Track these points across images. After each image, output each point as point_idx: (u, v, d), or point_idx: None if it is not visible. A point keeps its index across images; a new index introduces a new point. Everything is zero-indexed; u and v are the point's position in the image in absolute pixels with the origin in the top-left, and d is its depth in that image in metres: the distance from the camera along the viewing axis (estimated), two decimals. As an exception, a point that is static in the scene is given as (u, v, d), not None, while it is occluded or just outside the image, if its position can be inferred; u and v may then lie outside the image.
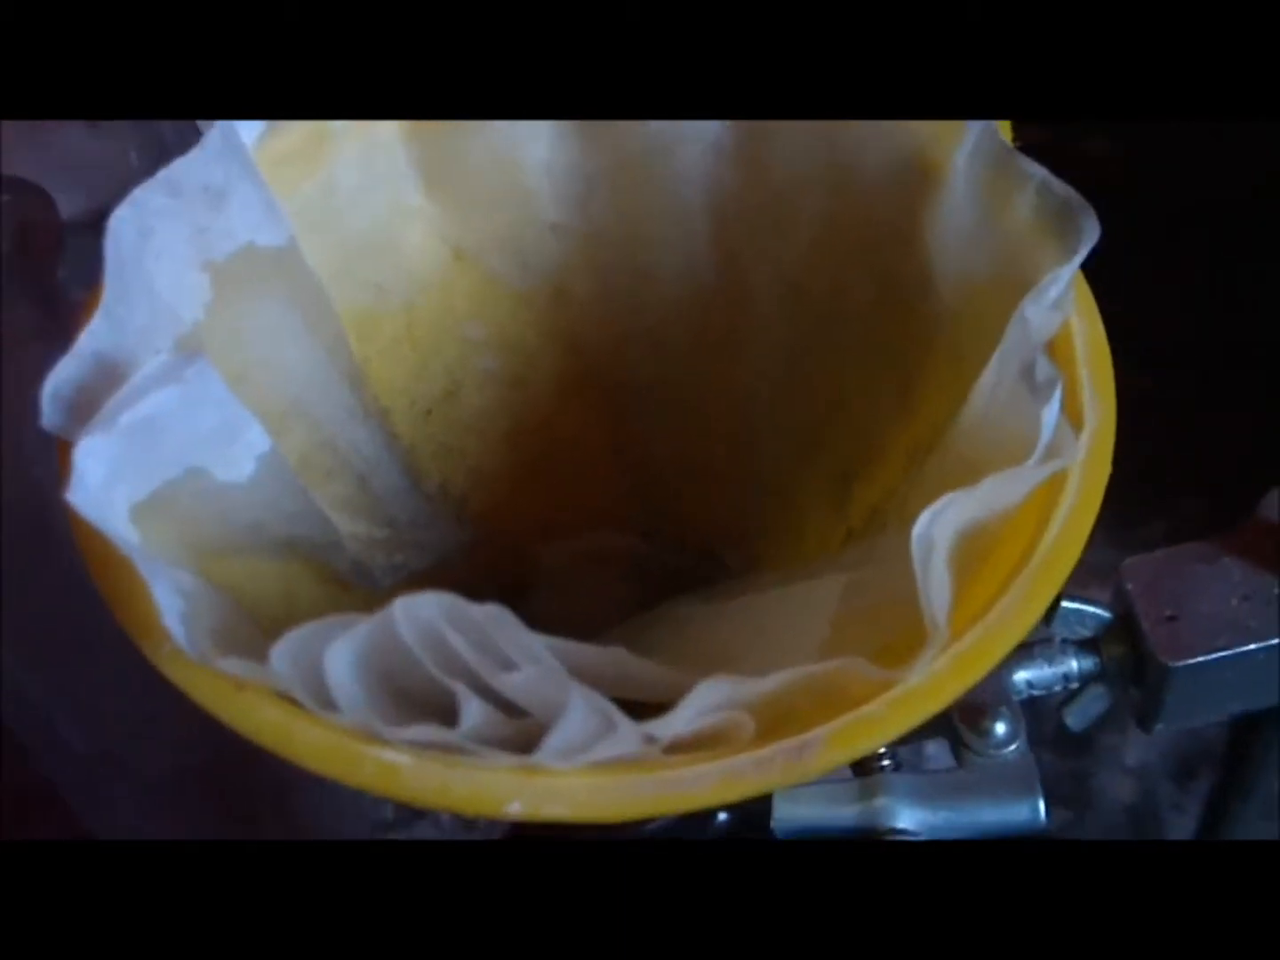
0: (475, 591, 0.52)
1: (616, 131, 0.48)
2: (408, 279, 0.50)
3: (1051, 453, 0.36)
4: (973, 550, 0.36)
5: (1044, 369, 0.36)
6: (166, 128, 0.73)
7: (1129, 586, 0.54)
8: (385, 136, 0.47)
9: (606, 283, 0.52)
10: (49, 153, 0.79)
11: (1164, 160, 0.91)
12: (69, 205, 0.79)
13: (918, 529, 0.34)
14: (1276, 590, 0.53)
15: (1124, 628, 0.52)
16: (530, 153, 0.48)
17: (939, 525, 0.34)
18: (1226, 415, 0.81)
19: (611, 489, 0.56)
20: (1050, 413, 0.36)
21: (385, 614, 0.32)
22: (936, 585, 0.34)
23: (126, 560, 0.35)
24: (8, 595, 0.63)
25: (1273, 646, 0.51)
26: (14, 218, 0.78)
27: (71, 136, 0.80)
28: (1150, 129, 0.90)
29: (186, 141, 0.71)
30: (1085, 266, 0.39)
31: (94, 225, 0.78)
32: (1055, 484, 0.37)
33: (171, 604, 0.34)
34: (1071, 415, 0.38)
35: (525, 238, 0.51)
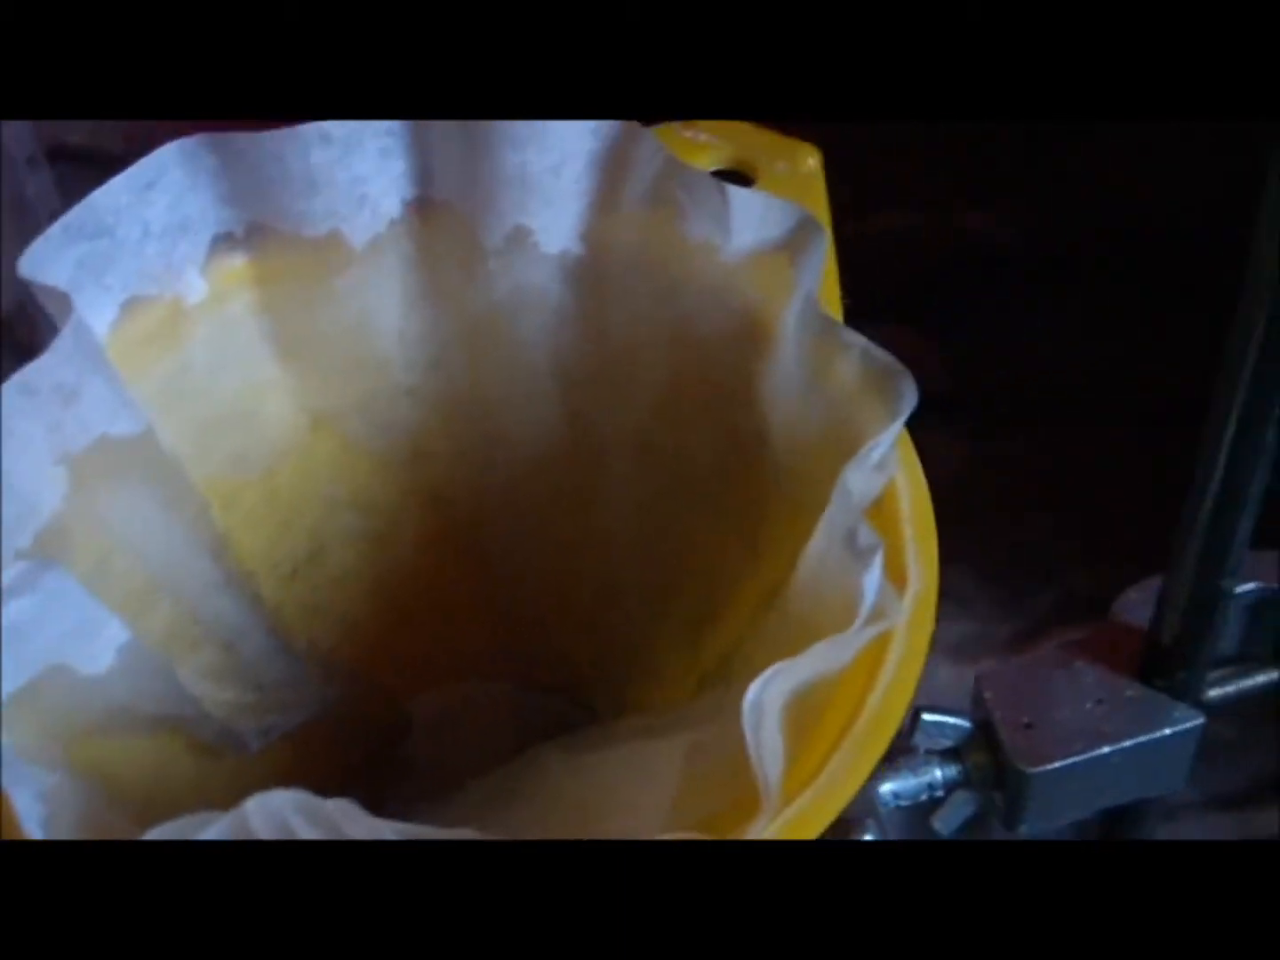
0: (348, 745, 0.54)
1: (463, 299, 0.49)
2: (267, 447, 0.52)
3: (876, 614, 0.37)
4: (805, 711, 0.37)
5: (865, 536, 0.37)
6: None
7: (987, 695, 0.55)
8: (237, 314, 0.49)
9: (462, 444, 0.53)
10: None
11: (1040, 229, 0.93)
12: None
13: (748, 697, 0.35)
14: (1130, 692, 0.55)
15: (984, 736, 0.54)
16: (382, 321, 0.50)
17: (768, 693, 0.36)
18: (1118, 486, 0.82)
19: (481, 637, 0.57)
20: (872, 577, 0.37)
21: (239, 811, 0.33)
22: (769, 752, 0.35)
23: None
24: None
25: (1128, 748, 0.53)
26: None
27: None
28: (1027, 198, 0.92)
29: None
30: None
31: None
32: (882, 642, 0.39)
33: (31, 811, 0.35)
34: (895, 575, 0.40)
35: (381, 403, 0.52)
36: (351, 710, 0.55)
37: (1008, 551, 0.77)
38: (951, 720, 0.55)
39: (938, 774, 0.54)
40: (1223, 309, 0.47)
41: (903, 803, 0.53)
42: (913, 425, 0.41)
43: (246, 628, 0.51)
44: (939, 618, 0.41)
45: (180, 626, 0.49)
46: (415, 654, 0.57)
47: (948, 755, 0.54)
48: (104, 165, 0.85)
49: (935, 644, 0.40)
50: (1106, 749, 0.53)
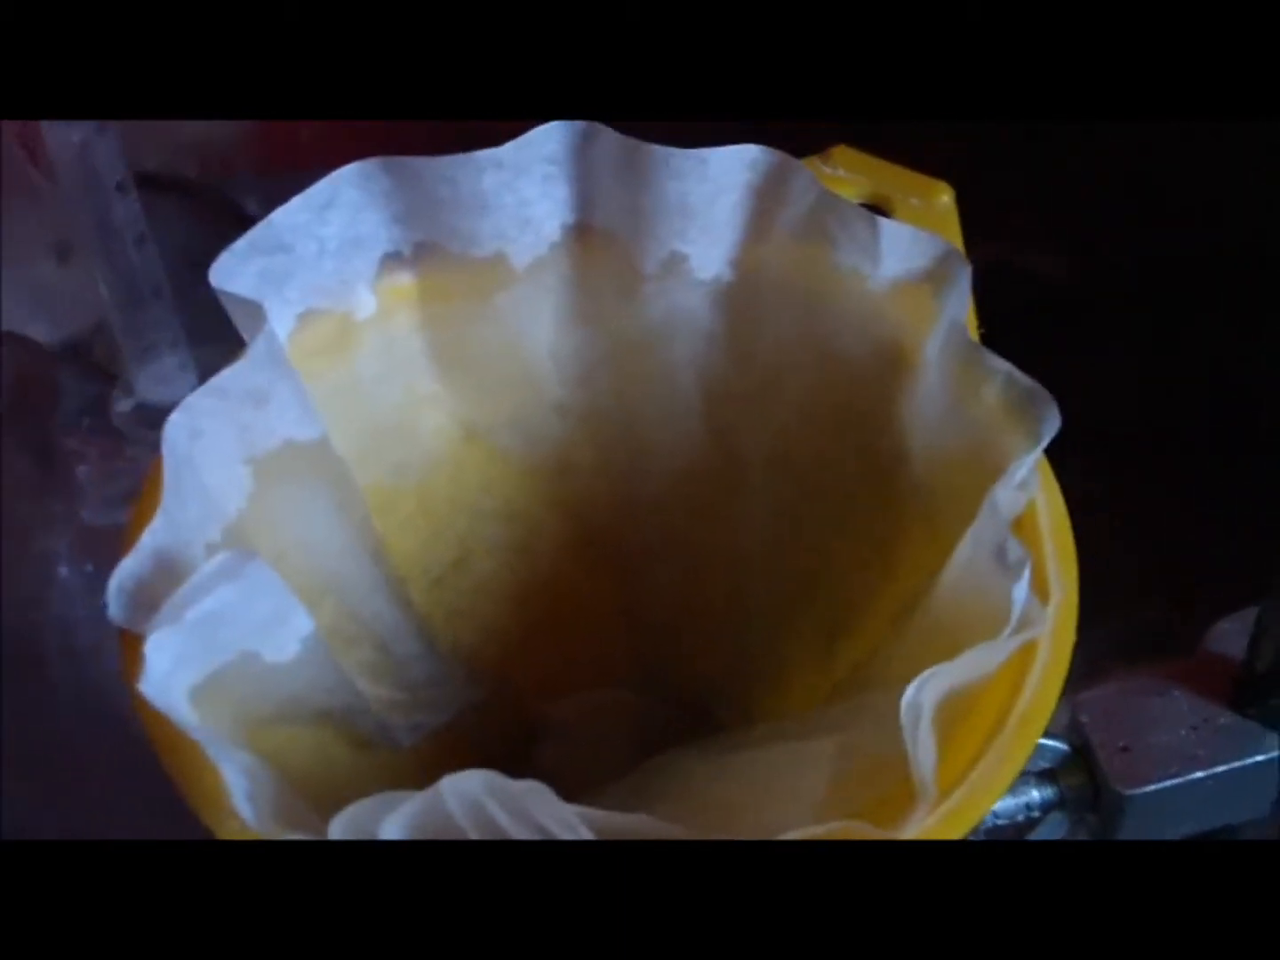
0: (486, 746, 0.56)
1: (617, 321, 0.52)
2: (423, 458, 0.54)
3: (1022, 624, 0.39)
4: (953, 712, 0.39)
5: (1014, 550, 0.39)
6: (136, 261, 0.75)
7: (1084, 719, 0.57)
8: (402, 329, 0.51)
9: (607, 457, 0.55)
10: (19, 287, 0.81)
11: (1107, 268, 0.93)
12: (41, 337, 0.81)
13: (906, 698, 0.37)
14: (1223, 720, 0.57)
15: (1080, 759, 0.56)
16: (536, 340, 0.52)
17: (925, 693, 0.38)
18: (1183, 520, 0.83)
19: (614, 647, 0.59)
20: (1020, 589, 0.39)
21: (434, 790, 0.35)
22: (924, 749, 0.38)
23: (189, 742, 0.38)
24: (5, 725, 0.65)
25: (1220, 774, 0.55)
26: (11, 371, 0.81)
27: (41, 269, 0.82)
28: (1094, 238, 0.93)
29: (152, 272, 0.73)
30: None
31: (67, 357, 0.81)
32: (1026, 651, 0.41)
33: (239, 785, 0.37)
34: (1038, 586, 0.42)
35: (531, 417, 0.54)
36: (491, 712, 0.58)
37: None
38: (1050, 743, 0.57)
39: (1035, 795, 0.55)
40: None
41: (1000, 822, 0.54)
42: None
43: (399, 629, 0.54)
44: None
45: (341, 625, 0.51)
46: (551, 660, 0.59)
47: (1045, 776, 0.56)
48: (180, 190, 0.88)
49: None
50: (1200, 773, 0.54)
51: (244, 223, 0.46)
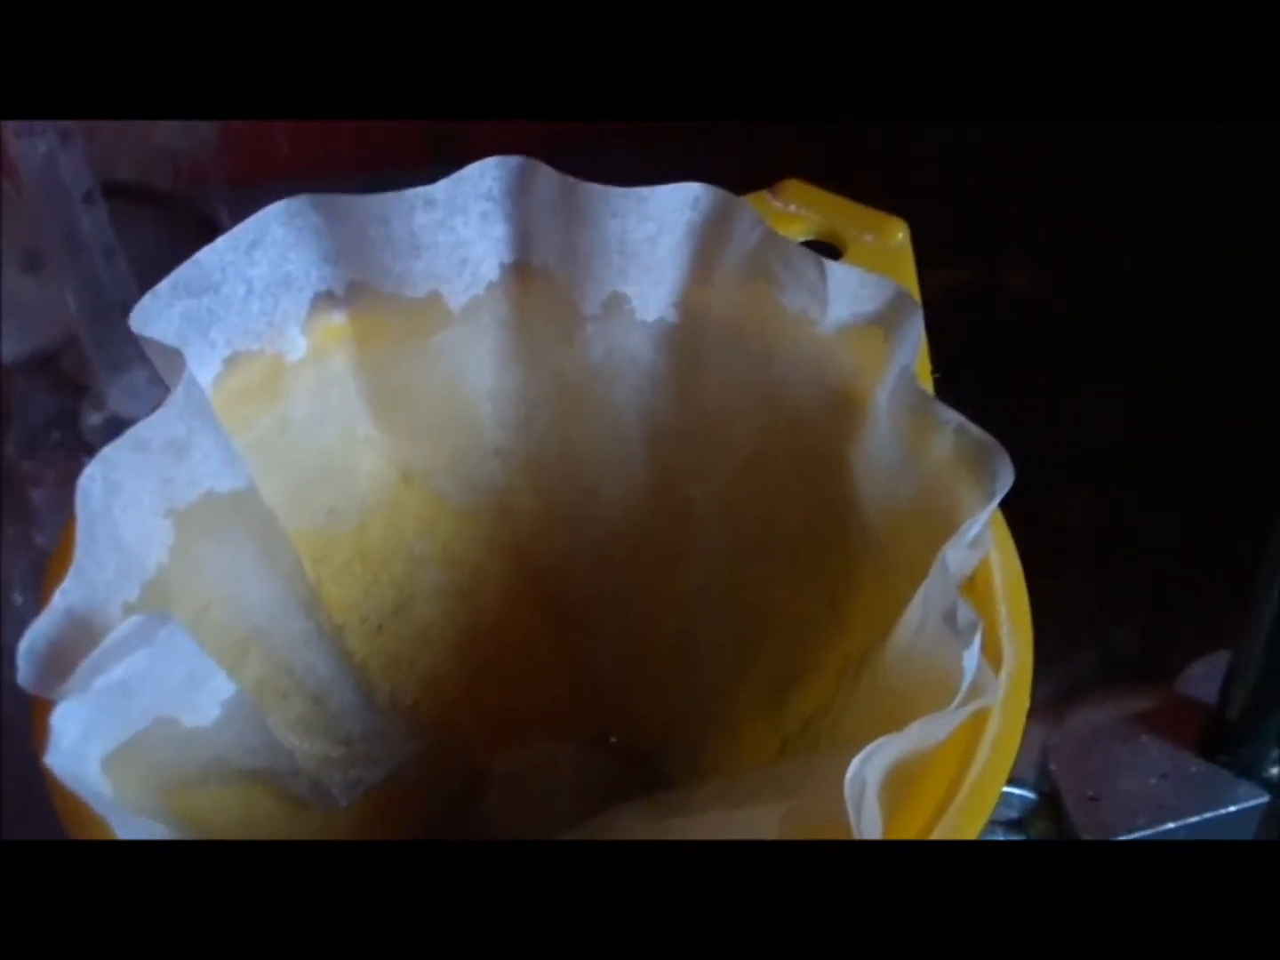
0: (426, 801, 0.55)
1: (557, 363, 0.50)
2: (359, 502, 0.52)
3: (974, 691, 0.38)
4: (901, 781, 0.38)
5: (965, 614, 0.38)
6: (103, 271, 0.74)
7: (1053, 767, 0.56)
8: (336, 371, 0.50)
9: (549, 501, 0.54)
10: None
11: (1085, 290, 0.93)
12: (8, 349, 0.80)
13: (850, 772, 0.36)
14: (1193, 768, 0.56)
15: (1049, 807, 0.55)
16: (475, 382, 0.51)
17: (869, 766, 0.36)
18: (1159, 545, 0.83)
19: (559, 695, 0.58)
20: (971, 656, 0.38)
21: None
22: (868, 824, 0.36)
23: (96, 816, 0.36)
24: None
25: (1192, 824, 0.54)
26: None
27: (8, 282, 0.81)
28: (1072, 258, 0.92)
29: (121, 284, 0.72)
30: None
31: (35, 369, 0.80)
32: (978, 719, 0.39)
33: None
34: (991, 651, 0.41)
35: (471, 460, 0.53)
36: (433, 765, 0.56)
37: (1048, 612, 0.77)
38: (1018, 791, 0.56)
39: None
40: (1272, 375, 0.47)
41: (968, 871, 0.53)
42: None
43: (335, 680, 0.52)
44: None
45: (272, 678, 0.49)
46: (495, 710, 0.57)
47: (1012, 826, 0.55)
48: (152, 200, 0.87)
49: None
50: (1171, 824, 0.54)
51: (216, 233, 0.45)
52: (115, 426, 0.75)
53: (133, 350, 0.75)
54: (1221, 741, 0.56)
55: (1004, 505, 0.41)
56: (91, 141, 0.71)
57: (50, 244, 0.74)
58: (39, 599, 0.70)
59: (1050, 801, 0.55)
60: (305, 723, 0.51)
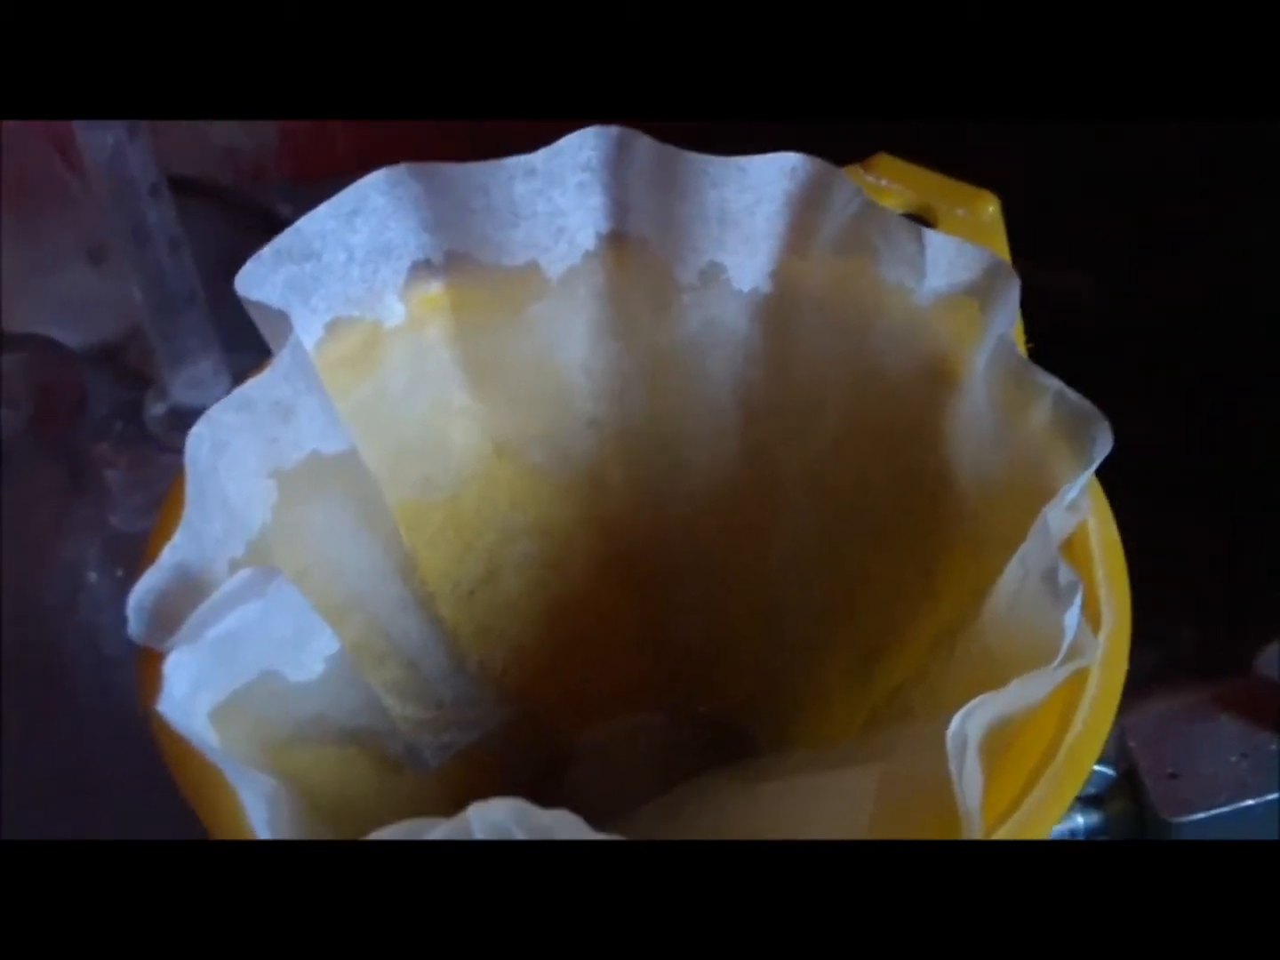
0: (514, 769, 0.55)
1: (652, 334, 0.50)
2: (453, 472, 0.53)
3: (1073, 652, 0.38)
4: (1000, 742, 0.38)
5: (1065, 575, 0.38)
6: (169, 266, 0.75)
7: (1132, 745, 0.56)
8: (432, 340, 0.50)
9: (640, 473, 0.54)
10: (52, 291, 0.82)
11: (1136, 296, 0.93)
12: (74, 341, 0.81)
13: (953, 728, 0.36)
14: (1274, 747, 0.56)
15: (1127, 784, 0.55)
16: (569, 353, 0.51)
17: (971, 723, 0.36)
18: (1219, 544, 0.82)
19: (644, 666, 0.58)
20: (1072, 616, 0.38)
21: (461, 818, 0.34)
22: (969, 781, 0.36)
23: (209, 766, 0.37)
24: (8, 739, 0.64)
25: (1271, 802, 0.53)
26: (39, 376, 0.81)
27: (74, 274, 0.82)
28: (1128, 263, 0.92)
29: (185, 277, 0.73)
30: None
31: (100, 361, 0.80)
32: (1077, 679, 0.39)
33: (259, 811, 0.36)
34: (1089, 613, 0.41)
35: (564, 432, 0.53)
36: (521, 734, 0.56)
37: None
38: (1098, 768, 0.56)
39: (1079, 820, 0.55)
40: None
41: (1044, 849, 0.53)
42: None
43: (428, 646, 0.53)
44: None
45: (369, 642, 0.50)
46: (581, 681, 0.58)
47: (1091, 802, 0.55)
48: (214, 196, 0.87)
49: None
50: (1250, 801, 0.53)
51: (277, 229, 0.46)
52: (178, 418, 0.77)
53: (196, 343, 0.77)
54: (1298, 721, 0.56)
55: None
56: (155, 136, 0.71)
57: (116, 237, 0.74)
58: (114, 577, 0.71)
59: (1129, 779, 0.55)
60: (399, 686, 0.51)
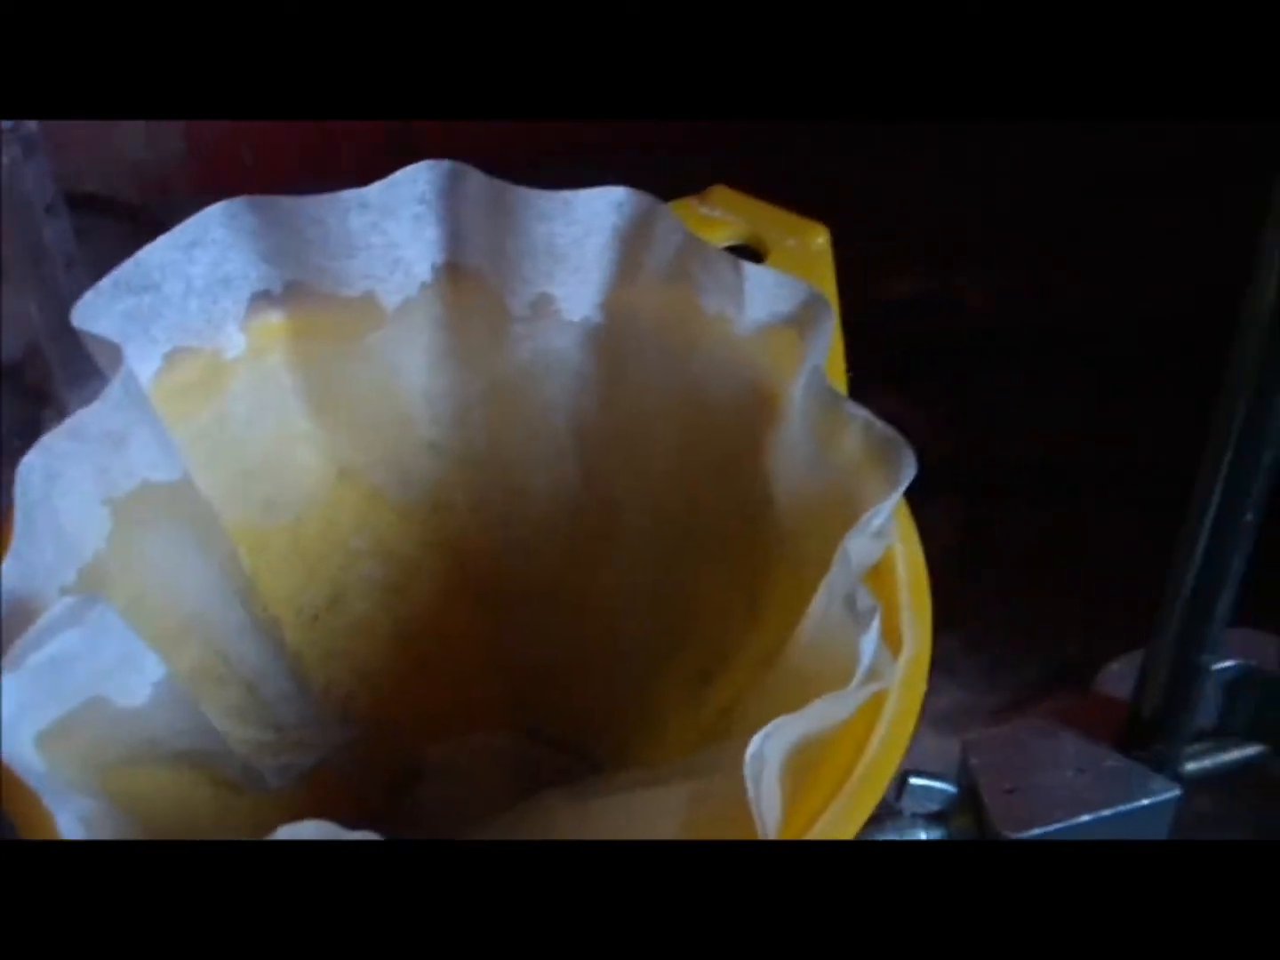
0: (359, 787, 0.56)
1: (488, 361, 0.52)
2: (296, 496, 0.54)
3: (872, 675, 0.39)
4: (804, 760, 0.40)
5: (864, 600, 0.39)
6: (65, 282, 0.75)
7: (972, 761, 0.57)
8: (273, 367, 0.51)
9: (482, 497, 0.55)
10: None
11: (1039, 305, 0.94)
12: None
13: (750, 749, 0.37)
14: (1109, 762, 0.57)
15: (969, 801, 0.56)
16: (409, 379, 0.52)
17: (770, 745, 0.38)
18: (1106, 558, 0.84)
19: (492, 687, 0.59)
20: (869, 640, 0.39)
21: (270, 839, 0.35)
22: (767, 801, 0.37)
23: (28, 789, 0.38)
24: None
25: (1107, 816, 0.55)
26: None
27: None
28: (1027, 274, 0.94)
29: (81, 294, 0.73)
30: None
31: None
32: (876, 701, 0.41)
33: (73, 833, 0.37)
34: (891, 637, 0.42)
35: (405, 456, 0.54)
36: (366, 755, 0.57)
37: (995, 621, 0.78)
38: (938, 785, 0.57)
39: (922, 835, 0.56)
40: (1214, 391, 0.49)
41: (887, 865, 0.55)
42: (905, 493, 0.43)
43: (269, 669, 0.53)
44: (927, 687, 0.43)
45: (207, 665, 0.51)
46: (428, 702, 0.59)
47: (933, 819, 0.56)
48: (117, 211, 0.87)
49: (923, 712, 0.42)
50: (1086, 817, 0.55)
51: None
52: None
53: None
54: (1137, 737, 0.57)
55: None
56: (57, 153, 0.72)
57: (13, 255, 0.74)
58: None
59: (970, 795, 0.56)
60: (239, 709, 0.52)
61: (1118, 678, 0.60)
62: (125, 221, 0.89)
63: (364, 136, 0.97)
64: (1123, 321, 0.93)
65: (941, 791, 0.57)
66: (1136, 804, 0.55)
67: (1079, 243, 0.98)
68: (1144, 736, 0.57)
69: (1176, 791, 0.56)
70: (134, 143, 0.90)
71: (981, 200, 0.98)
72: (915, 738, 0.42)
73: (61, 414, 0.77)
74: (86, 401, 0.76)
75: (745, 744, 0.38)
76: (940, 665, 0.44)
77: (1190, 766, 0.57)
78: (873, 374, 0.50)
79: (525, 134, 0.97)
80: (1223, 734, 0.58)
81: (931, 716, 0.75)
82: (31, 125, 0.72)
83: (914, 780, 0.55)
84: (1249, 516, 0.49)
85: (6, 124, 0.71)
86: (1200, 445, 0.50)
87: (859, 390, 0.47)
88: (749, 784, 0.37)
